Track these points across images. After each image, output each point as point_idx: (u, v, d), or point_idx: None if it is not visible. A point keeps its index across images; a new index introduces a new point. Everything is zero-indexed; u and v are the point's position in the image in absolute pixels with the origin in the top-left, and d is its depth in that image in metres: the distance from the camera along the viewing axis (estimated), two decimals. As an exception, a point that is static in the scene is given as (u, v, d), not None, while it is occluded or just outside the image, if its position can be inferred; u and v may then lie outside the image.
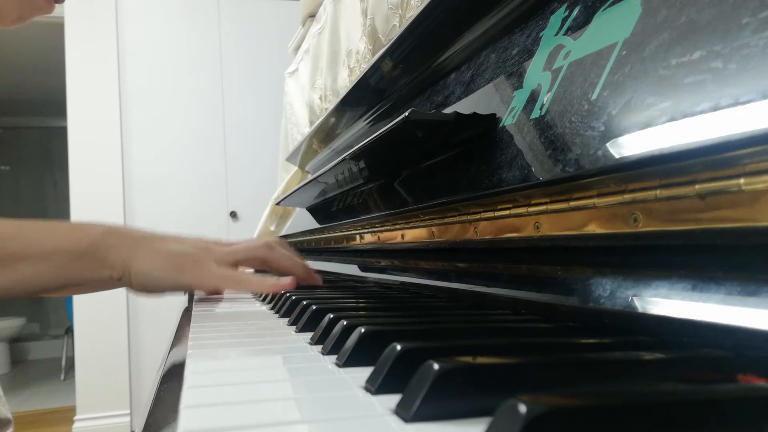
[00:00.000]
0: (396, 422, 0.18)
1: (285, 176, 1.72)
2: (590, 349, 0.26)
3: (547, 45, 0.39)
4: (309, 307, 0.40)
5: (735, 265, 0.23)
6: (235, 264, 0.57)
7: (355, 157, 0.59)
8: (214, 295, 0.64)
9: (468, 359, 0.20)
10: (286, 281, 0.54)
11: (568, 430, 0.14)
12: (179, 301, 0.78)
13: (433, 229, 0.50)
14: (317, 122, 1.13)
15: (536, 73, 0.39)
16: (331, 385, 0.24)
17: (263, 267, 0.62)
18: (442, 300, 0.48)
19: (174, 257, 0.53)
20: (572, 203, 0.31)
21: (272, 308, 0.53)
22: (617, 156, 0.27)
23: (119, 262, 0.52)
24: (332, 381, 0.24)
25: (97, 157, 2.42)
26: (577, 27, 0.36)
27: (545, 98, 0.36)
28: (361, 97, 0.88)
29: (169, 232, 0.57)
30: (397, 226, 0.60)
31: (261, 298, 0.63)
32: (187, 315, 0.54)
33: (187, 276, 0.53)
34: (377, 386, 0.22)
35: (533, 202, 0.35)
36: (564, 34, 0.37)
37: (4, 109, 4.65)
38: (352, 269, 0.81)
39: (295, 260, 0.62)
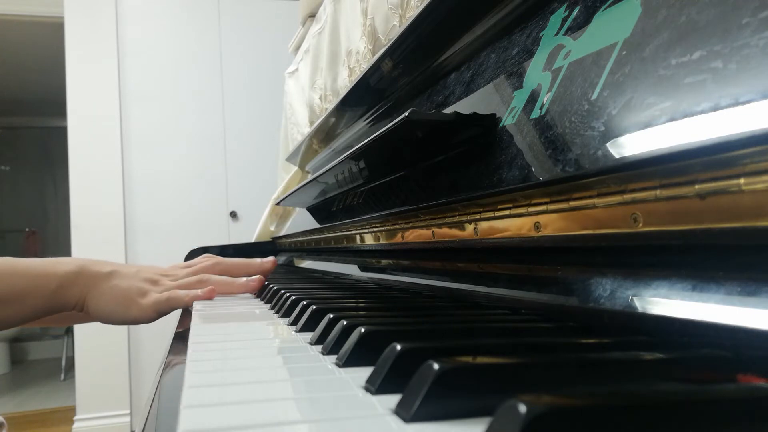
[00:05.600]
0: (396, 422, 0.18)
1: (285, 176, 1.72)
2: (590, 349, 0.26)
3: (547, 45, 0.39)
4: (309, 307, 0.40)
5: (735, 265, 0.23)
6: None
7: (355, 157, 0.59)
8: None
9: (468, 359, 0.20)
10: (202, 293, 0.61)
11: (568, 430, 0.14)
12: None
13: (433, 229, 0.50)
14: (317, 122, 1.13)
15: (536, 73, 0.39)
16: (331, 385, 0.24)
17: None
18: (442, 300, 0.48)
19: (122, 293, 0.60)
20: (572, 203, 0.31)
21: (272, 308, 0.53)
22: (617, 156, 0.27)
23: (80, 299, 0.60)
24: (332, 381, 0.24)
25: (97, 157, 2.42)
26: (577, 27, 0.36)
27: (545, 98, 0.36)
28: (361, 97, 0.88)
29: (128, 265, 0.65)
30: (397, 226, 0.60)
31: (261, 299, 0.63)
32: (186, 315, 0.54)
33: (133, 311, 0.60)
34: (377, 386, 0.22)
35: (533, 202, 0.35)
36: (564, 34, 0.37)
37: (4, 109, 4.65)
38: (352, 269, 0.81)
39: (231, 284, 0.67)
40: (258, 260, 0.74)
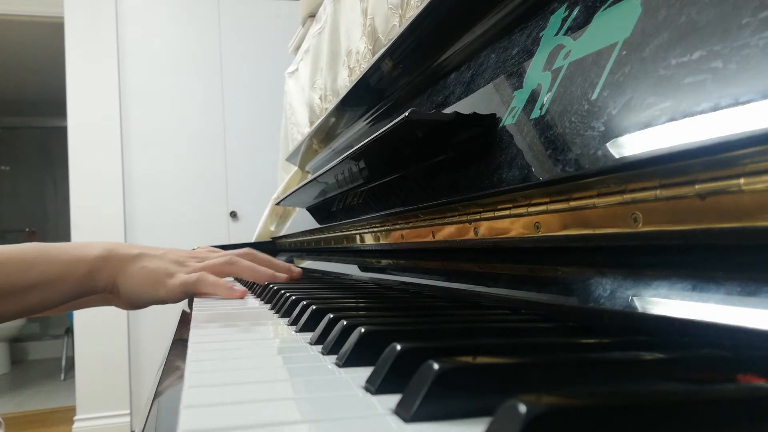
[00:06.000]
0: (396, 422, 0.18)
1: (285, 176, 1.72)
2: (590, 349, 0.26)
3: (547, 45, 0.39)
4: (309, 307, 0.40)
5: (735, 265, 0.23)
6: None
7: (355, 157, 0.59)
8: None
9: (468, 359, 0.20)
10: (237, 291, 0.62)
11: (568, 430, 0.14)
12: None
13: (433, 229, 0.50)
14: (317, 122, 1.13)
15: (536, 73, 0.39)
16: (331, 385, 0.24)
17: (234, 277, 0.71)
18: (442, 300, 0.48)
19: (150, 274, 0.62)
20: (572, 203, 0.31)
21: (272, 308, 0.53)
22: (617, 156, 0.27)
23: (110, 282, 0.62)
24: (332, 381, 0.24)
25: (97, 157, 2.42)
26: (577, 27, 0.36)
27: (545, 98, 0.36)
28: (361, 97, 0.88)
29: (155, 247, 0.66)
30: (397, 226, 0.60)
31: (261, 299, 0.63)
32: (186, 315, 0.55)
33: (161, 291, 0.61)
34: (377, 386, 0.22)
35: (533, 202, 0.35)
36: (564, 34, 0.37)
37: (4, 109, 4.65)
38: (352, 269, 0.81)
39: (258, 271, 0.69)
40: (287, 264, 0.74)
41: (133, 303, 0.63)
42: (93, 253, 0.61)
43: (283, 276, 0.70)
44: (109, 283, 0.62)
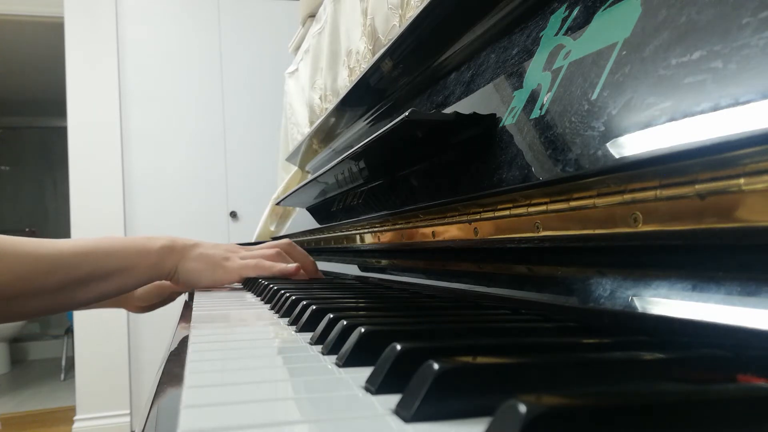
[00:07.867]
0: (396, 422, 0.18)
1: (285, 176, 1.72)
2: (590, 349, 0.26)
3: (547, 45, 0.39)
4: (309, 307, 0.40)
5: (735, 265, 0.23)
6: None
7: (355, 157, 0.59)
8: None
9: (468, 359, 0.20)
10: (291, 268, 0.73)
11: (568, 430, 0.14)
12: (178, 300, 0.81)
13: (433, 229, 0.50)
14: (317, 122, 1.13)
15: (536, 73, 0.39)
16: (331, 385, 0.24)
17: None
18: (442, 300, 0.48)
19: (209, 259, 0.72)
20: (572, 203, 0.31)
21: (272, 308, 0.53)
22: (617, 156, 0.27)
23: (172, 268, 0.71)
24: (332, 381, 0.24)
25: (97, 157, 2.42)
26: (577, 27, 0.36)
27: (545, 98, 0.36)
28: (361, 97, 0.88)
29: (208, 241, 0.77)
30: (397, 226, 0.60)
31: (261, 299, 0.63)
32: (186, 315, 0.55)
33: (219, 273, 0.72)
34: (377, 386, 0.22)
35: (533, 202, 0.35)
36: (564, 34, 0.38)
37: (4, 109, 4.65)
38: (352, 269, 0.81)
39: (305, 261, 0.79)
40: (316, 266, 0.83)
41: (193, 284, 0.72)
42: (159, 243, 0.70)
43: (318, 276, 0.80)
44: (172, 269, 0.70)
